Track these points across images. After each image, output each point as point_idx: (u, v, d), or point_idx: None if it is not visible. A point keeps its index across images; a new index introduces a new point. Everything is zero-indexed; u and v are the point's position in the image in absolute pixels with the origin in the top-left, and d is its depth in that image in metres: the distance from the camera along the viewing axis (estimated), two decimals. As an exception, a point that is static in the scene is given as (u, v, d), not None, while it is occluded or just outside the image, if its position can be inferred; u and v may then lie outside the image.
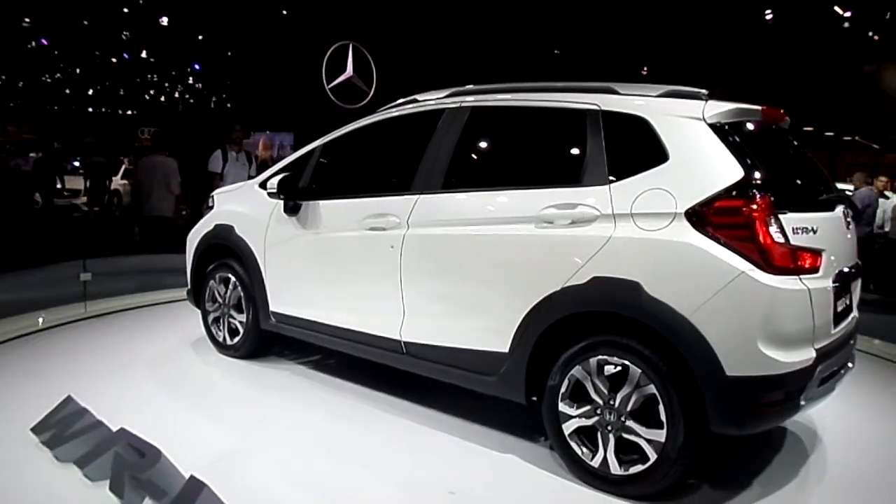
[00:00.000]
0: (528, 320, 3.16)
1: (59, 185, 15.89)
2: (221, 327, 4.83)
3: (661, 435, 2.81)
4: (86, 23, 25.94)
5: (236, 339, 4.75)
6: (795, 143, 3.51)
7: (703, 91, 3.10)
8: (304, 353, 4.94)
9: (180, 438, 3.36)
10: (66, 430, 3.28)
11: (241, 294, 4.62)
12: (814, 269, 2.82)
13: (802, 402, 2.81)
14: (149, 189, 8.52)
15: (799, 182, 3.34)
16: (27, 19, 25.05)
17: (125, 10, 23.50)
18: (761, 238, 2.68)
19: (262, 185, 4.47)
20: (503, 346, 3.27)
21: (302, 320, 4.26)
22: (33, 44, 29.51)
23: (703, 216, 2.73)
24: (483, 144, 3.78)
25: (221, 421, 3.78)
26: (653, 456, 2.84)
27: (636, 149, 2.97)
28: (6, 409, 3.82)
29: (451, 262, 3.49)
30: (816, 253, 2.86)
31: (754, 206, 2.70)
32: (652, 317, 2.77)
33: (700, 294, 2.68)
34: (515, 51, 20.19)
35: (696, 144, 2.85)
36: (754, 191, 2.74)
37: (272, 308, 4.41)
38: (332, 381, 4.43)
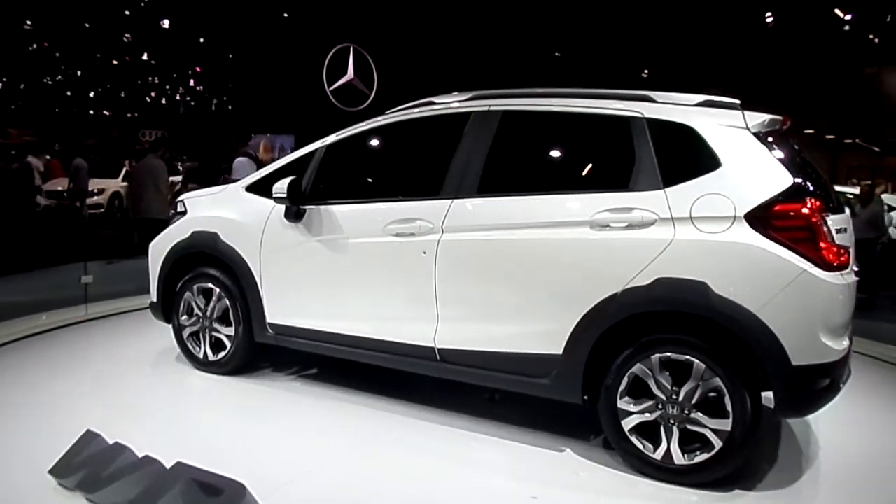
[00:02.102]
0: (587, 322, 3.18)
1: (60, 188, 15.90)
2: (201, 342, 4.44)
3: (726, 424, 2.97)
4: (87, 25, 26.01)
5: (222, 355, 4.37)
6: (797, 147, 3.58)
7: (737, 101, 3.28)
8: (295, 367, 4.61)
9: (225, 463, 2.93)
10: (101, 469, 2.83)
11: (229, 305, 4.29)
12: (847, 265, 3.06)
13: (841, 385, 3.07)
14: (140, 191, 8.66)
15: (822, 184, 3.44)
16: (28, 21, 25.10)
17: (126, 12, 23.56)
18: (819, 238, 2.92)
19: (251, 188, 4.26)
20: (556, 348, 3.27)
21: (310, 331, 4.01)
22: (34, 46, 29.58)
23: (764, 219, 2.93)
24: (520, 149, 3.70)
25: (261, 441, 3.50)
26: (718, 444, 3.00)
27: (688, 155, 3.13)
28: (11, 445, 3.34)
29: (496, 267, 3.42)
30: (847, 250, 3.10)
31: (811, 209, 2.93)
32: (722, 314, 2.93)
33: (766, 291, 2.88)
34: (516, 54, 20.21)
35: (746, 152, 3.06)
36: (806, 195, 2.98)
37: (270, 319, 4.14)
38: (349, 396, 4.13)
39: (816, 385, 2.96)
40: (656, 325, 3.11)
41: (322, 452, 3.37)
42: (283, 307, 4.11)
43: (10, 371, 4.48)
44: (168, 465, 2.77)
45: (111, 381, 4.33)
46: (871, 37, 21.20)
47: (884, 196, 9.96)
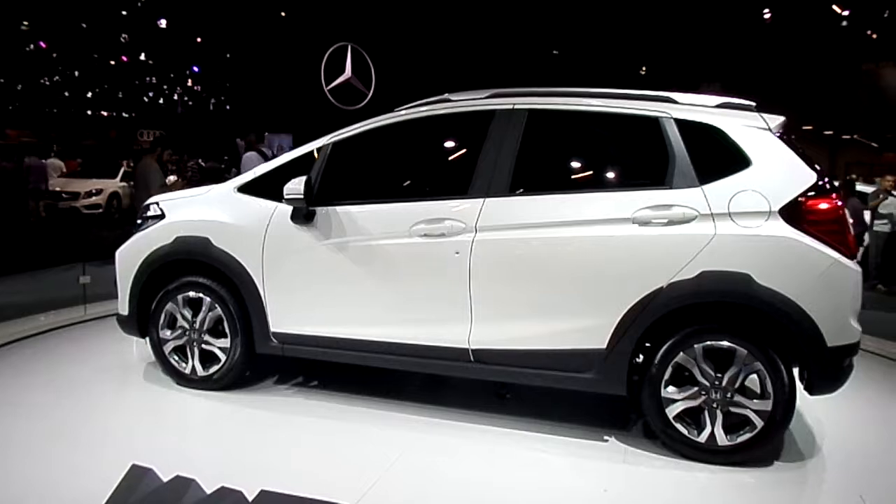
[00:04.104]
0: (633, 316, 3.28)
1: (58, 188, 15.88)
2: (189, 357, 4.12)
3: (767, 404, 3.23)
4: (84, 25, 25.96)
5: (214, 369, 4.07)
6: None
7: (752, 103, 3.51)
8: (293, 378, 4.39)
9: (291, 483, 2.86)
10: None
11: (223, 316, 4.01)
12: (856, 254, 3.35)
13: (853, 364, 3.35)
14: (137, 193, 8.84)
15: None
16: (25, 22, 25.06)
17: (123, 12, 23.53)
18: (845, 230, 3.24)
19: (244, 189, 4.05)
20: (600, 343, 3.35)
21: (325, 339, 3.83)
22: (32, 46, 29.53)
23: (796, 214, 3.18)
24: (550, 148, 3.75)
25: (311, 456, 3.35)
26: (759, 423, 3.24)
27: (720, 155, 3.32)
28: (28, 482, 2.95)
29: (537, 265, 3.44)
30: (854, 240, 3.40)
31: (837, 204, 3.24)
32: (766, 303, 3.16)
33: (803, 280, 3.15)
34: (514, 51, 20.19)
35: (772, 151, 3.29)
36: (828, 190, 3.26)
37: (274, 329, 3.92)
38: (368, 404, 3.98)
39: (844, 363, 3.26)
40: (698, 315, 3.30)
41: (377, 461, 3.27)
42: (291, 315, 3.91)
43: (10, 379, 4.32)
44: (250, 497, 2.54)
45: (123, 394, 4.15)
46: (868, 33, 21.20)
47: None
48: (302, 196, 3.67)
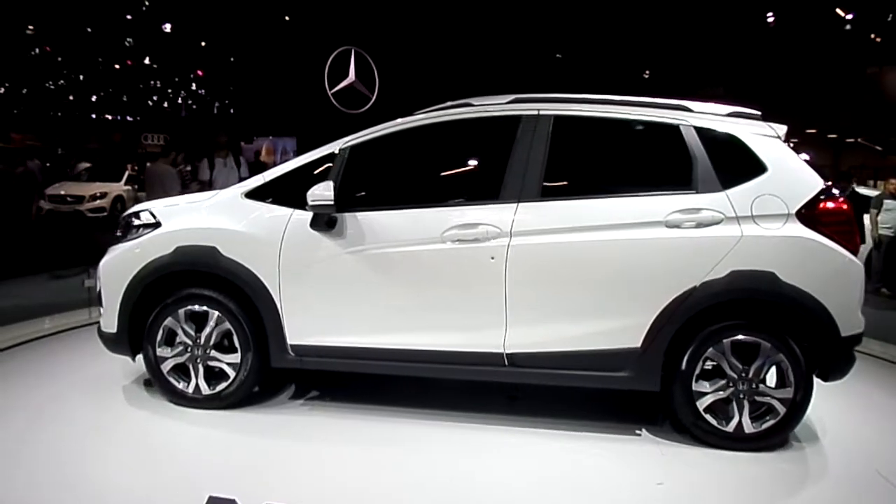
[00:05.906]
0: (667, 314, 3.44)
1: (62, 192, 15.97)
2: (192, 375, 3.86)
3: (789, 392, 3.47)
4: (89, 29, 26.08)
5: (222, 386, 3.84)
6: None
7: (758, 112, 3.72)
8: (305, 393, 4.20)
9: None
10: None
11: (233, 330, 3.80)
12: None
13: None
14: (150, 198, 8.63)
15: None
16: (31, 26, 25.18)
17: (128, 16, 23.63)
18: (854, 229, 3.50)
19: (252, 195, 3.85)
20: (635, 342, 3.48)
21: (349, 349, 3.71)
22: (37, 51, 29.67)
23: (812, 216, 3.44)
24: (577, 153, 3.82)
25: (367, 472, 3.24)
26: (782, 410, 3.48)
27: (739, 161, 3.55)
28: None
29: (573, 268, 3.51)
30: None
31: (847, 207, 3.51)
32: (791, 299, 3.41)
33: (821, 277, 3.42)
34: (518, 55, 20.22)
35: (784, 157, 3.55)
36: (837, 194, 3.53)
37: (292, 341, 3.75)
38: (384, 413, 3.89)
39: (852, 352, 3.53)
40: (723, 313, 3.48)
41: (426, 470, 3.26)
42: (312, 326, 3.75)
43: (17, 380, 4.25)
44: None
45: (131, 404, 3.97)
46: (872, 36, 21.18)
47: None
48: (332, 203, 3.53)
